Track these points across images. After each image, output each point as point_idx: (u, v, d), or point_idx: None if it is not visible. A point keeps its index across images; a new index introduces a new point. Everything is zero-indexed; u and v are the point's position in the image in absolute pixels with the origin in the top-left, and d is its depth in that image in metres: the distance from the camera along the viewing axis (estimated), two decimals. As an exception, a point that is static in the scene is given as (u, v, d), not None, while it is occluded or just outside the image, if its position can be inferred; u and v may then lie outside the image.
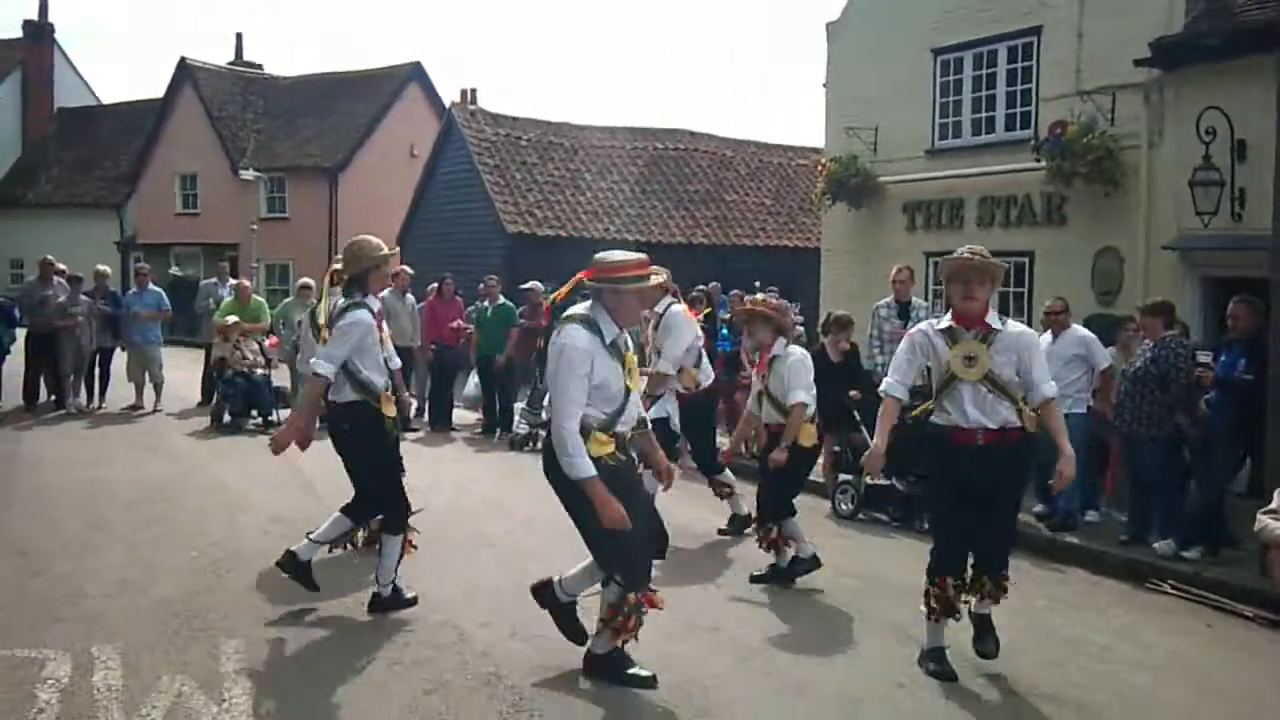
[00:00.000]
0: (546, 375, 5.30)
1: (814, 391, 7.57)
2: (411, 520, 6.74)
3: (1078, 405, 9.17)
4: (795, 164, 28.00)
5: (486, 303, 14.47)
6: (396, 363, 7.16)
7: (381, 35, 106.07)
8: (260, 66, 38.75)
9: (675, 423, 9.00)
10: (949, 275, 5.74)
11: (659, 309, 8.63)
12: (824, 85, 17.08)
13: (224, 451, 12.41)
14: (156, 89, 37.87)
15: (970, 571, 5.77)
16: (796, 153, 28.41)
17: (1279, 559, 7.02)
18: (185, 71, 35.62)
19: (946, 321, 5.75)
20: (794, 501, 7.68)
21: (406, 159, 30.91)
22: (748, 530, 8.72)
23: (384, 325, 6.80)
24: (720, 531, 9.06)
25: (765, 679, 5.66)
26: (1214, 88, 11.16)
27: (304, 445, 6.69)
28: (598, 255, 5.32)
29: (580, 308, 5.24)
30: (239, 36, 41.80)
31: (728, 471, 9.37)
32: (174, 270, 19.15)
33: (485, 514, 9.32)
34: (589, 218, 23.92)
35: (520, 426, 13.60)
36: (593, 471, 4.94)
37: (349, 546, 7.17)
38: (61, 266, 15.81)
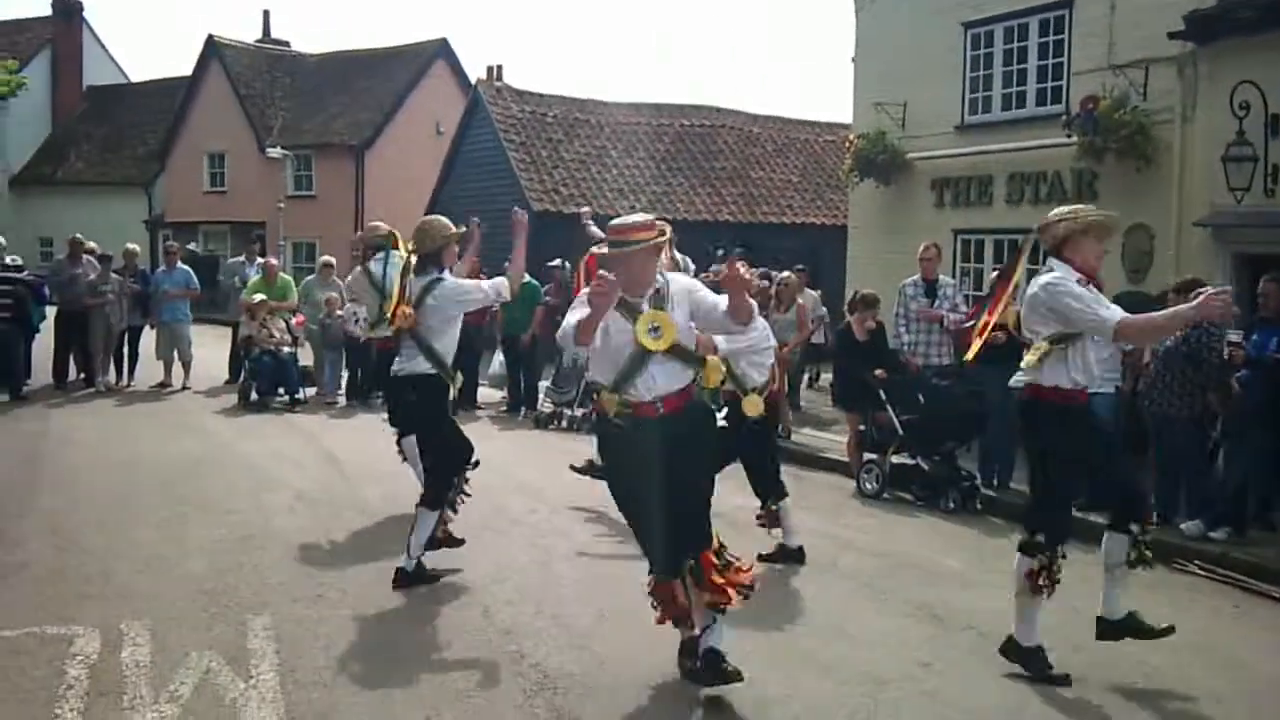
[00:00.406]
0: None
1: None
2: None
3: (1106, 385, 9.08)
4: (822, 140, 27.79)
5: (512, 280, 14.43)
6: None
7: (408, 12, 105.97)
8: (287, 44, 38.74)
9: None
10: (1100, 234, 5.53)
11: None
12: (852, 60, 16.92)
13: (251, 429, 12.50)
14: (184, 67, 37.98)
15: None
16: (824, 128, 28.18)
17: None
18: (213, 49, 35.68)
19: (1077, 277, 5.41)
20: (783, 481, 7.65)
21: (432, 136, 30.85)
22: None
23: None
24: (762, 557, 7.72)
25: (790, 658, 5.66)
26: (1248, 62, 10.97)
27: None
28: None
29: None
30: (266, 14, 41.62)
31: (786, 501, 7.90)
32: (191, 246, 19.23)
33: (509, 492, 9.34)
34: (614, 195, 23.84)
35: (545, 405, 13.63)
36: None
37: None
38: (92, 245, 15.93)
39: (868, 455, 10.09)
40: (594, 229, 8.54)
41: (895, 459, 9.88)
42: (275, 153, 30.23)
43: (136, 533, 7.74)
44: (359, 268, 9.34)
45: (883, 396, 9.92)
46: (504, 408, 14.58)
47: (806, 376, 16.19)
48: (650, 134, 25.88)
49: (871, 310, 10.46)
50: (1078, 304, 5.24)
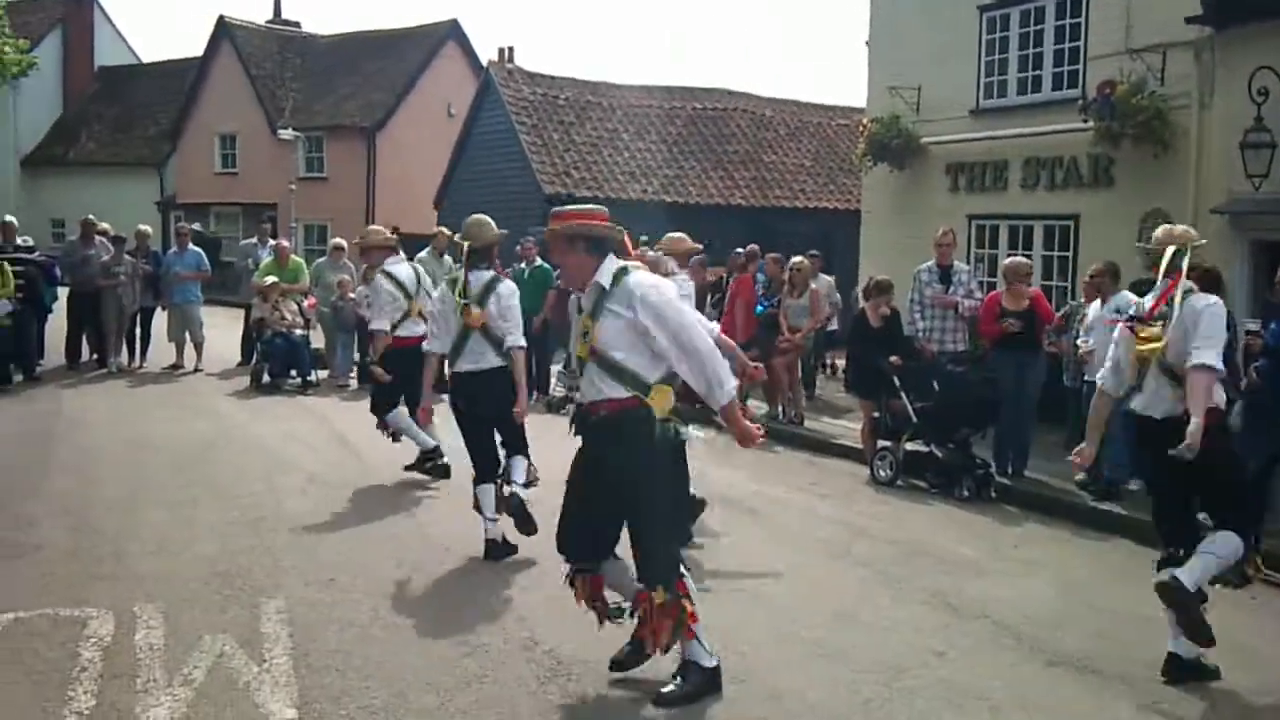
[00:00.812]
0: None
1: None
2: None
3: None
4: (835, 124, 27.66)
5: (524, 264, 14.42)
6: None
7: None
8: (298, 24, 38.66)
9: None
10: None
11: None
12: (866, 43, 16.81)
13: (263, 411, 12.51)
14: (195, 48, 37.93)
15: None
16: (837, 112, 28.04)
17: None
18: (224, 29, 35.61)
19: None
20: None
21: (444, 118, 30.75)
22: None
23: None
24: None
25: (803, 645, 5.63)
26: (1267, 47, 10.87)
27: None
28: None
29: None
30: (277, -6, 41.55)
31: None
32: (195, 226, 19.23)
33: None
34: (626, 178, 23.78)
35: (557, 389, 13.60)
36: None
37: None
38: (105, 226, 15.93)
39: (881, 442, 10.04)
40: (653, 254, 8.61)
41: (909, 446, 9.83)
42: (287, 134, 30.16)
43: (149, 514, 7.75)
44: (379, 275, 9.33)
45: (897, 383, 9.87)
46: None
47: (822, 364, 16.09)
48: (662, 117, 25.78)
49: (885, 296, 10.41)
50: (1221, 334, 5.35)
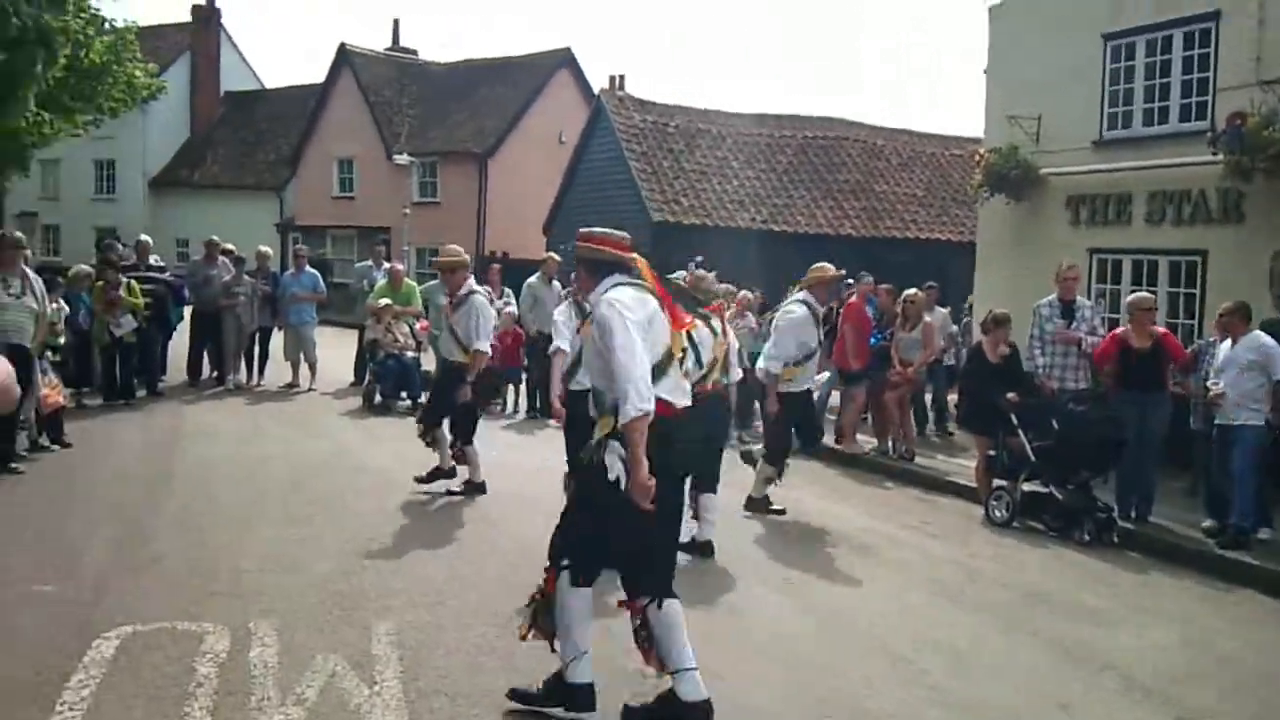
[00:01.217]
0: None
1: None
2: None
3: (1255, 417, 8.64)
4: (949, 154, 27.24)
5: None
6: None
7: (533, 21, 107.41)
8: (415, 52, 39.57)
9: None
10: None
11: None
12: (984, 71, 16.51)
13: (375, 431, 12.69)
14: (316, 74, 39.04)
15: None
16: (951, 142, 27.64)
17: None
18: (344, 57, 36.62)
19: None
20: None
21: (555, 145, 31.13)
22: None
23: None
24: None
25: (921, 690, 5.45)
26: None
27: None
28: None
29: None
30: (396, 22, 42.70)
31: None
32: (301, 247, 19.66)
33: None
34: (734, 207, 23.72)
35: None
36: None
37: None
38: (229, 246, 16.39)
39: (997, 481, 9.74)
40: (701, 272, 8.61)
41: (1027, 486, 9.52)
42: (402, 159, 30.80)
43: (264, 530, 7.87)
44: (478, 296, 9.47)
45: (1015, 421, 9.57)
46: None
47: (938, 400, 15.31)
48: (772, 145, 25.70)
49: (1004, 329, 10.13)
50: None
